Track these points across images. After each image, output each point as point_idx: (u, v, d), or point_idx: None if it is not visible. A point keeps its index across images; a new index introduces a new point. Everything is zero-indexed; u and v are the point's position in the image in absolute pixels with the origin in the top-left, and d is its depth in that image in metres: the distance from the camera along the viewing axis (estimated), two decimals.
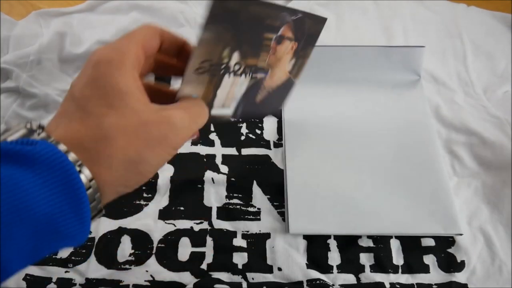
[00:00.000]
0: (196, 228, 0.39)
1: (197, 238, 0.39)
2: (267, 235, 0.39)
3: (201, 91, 0.32)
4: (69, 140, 0.20)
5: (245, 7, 0.34)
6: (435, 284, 0.36)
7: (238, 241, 0.38)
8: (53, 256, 0.38)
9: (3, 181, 0.17)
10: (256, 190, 0.41)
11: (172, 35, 0.28)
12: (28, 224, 0.18)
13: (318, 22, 0.39)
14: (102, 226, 0.39)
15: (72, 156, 0.19)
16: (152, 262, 0.37)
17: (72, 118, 0.21)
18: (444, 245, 0.38)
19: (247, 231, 0.39)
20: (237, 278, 0.37)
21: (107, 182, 0.21)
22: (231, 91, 0.35)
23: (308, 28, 0.39)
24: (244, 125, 0.45)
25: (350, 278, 0.37)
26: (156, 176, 0.41)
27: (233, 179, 0.42)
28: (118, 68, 0.22)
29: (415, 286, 0.36)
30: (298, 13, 0.37)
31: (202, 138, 0.44)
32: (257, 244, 0.38)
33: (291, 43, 0.38)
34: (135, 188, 0.23)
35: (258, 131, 0.45)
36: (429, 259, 0.38)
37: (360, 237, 0.39)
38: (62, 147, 0.19)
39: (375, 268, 0.37)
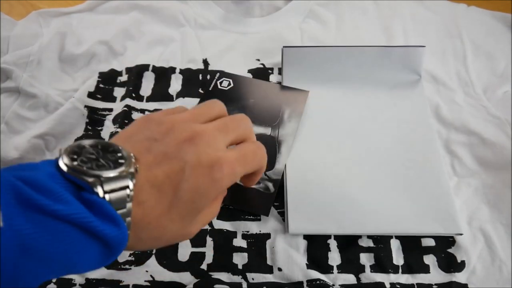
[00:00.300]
0: None
1: (197, 238, 0.39)
2: (267, 236, 0.39)
3: None
4: (142, 201, 0.23)
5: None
6: (435, 284, 0.36)
7: (238, 241, 0.38)
8: None
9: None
10: None
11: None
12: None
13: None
14: None
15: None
16: (152, 262, 0.37)
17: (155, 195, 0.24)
18: (444, 245, 0.38)
19: (247, 231, 0.39)
20: (237, 278, 0.37)
21: (139, 239, 0.24)
22: None
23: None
24: None
25: (350, 278, 0.37)
26: None
27: None
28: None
29: (415, 286, 0.36)
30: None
31: None
32: (257, 244, 0.38)
33: None
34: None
35: None
36: (429, 259, 0.38)
37: (360, 237, 0.39)
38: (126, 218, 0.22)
39: (375, 268, 0.37)
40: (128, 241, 0.22)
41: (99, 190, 0.21)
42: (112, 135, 0.45)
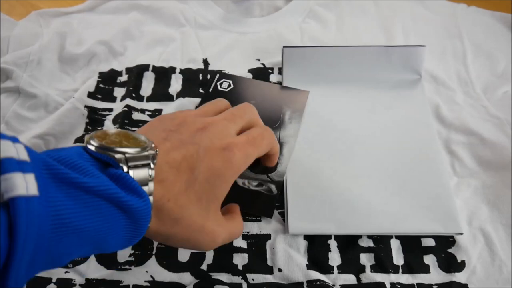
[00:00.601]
0: None
1: None
2: (267, 236, 0.39)
3: None
4: (162, 193, 0.25)
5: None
6: (435, 284, 0.36)
7: (239, 242, 0.38)
8: None
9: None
10: None
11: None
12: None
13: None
14: None
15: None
16: (152, 262, 0.37)
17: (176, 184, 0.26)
18: (444, 245, 0.38)
19: (248, 232, 0.39)
20: (237, 279, 0.37)
21: (155, 235, 0.26)
22: None
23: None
24: None
25: (350, 278, 0.37)
26: None
27: None
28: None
29: (416, 286, 0.36)
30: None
31: None
32: (258, 245, 0.38)
33: None
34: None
35: None
36: (430, 259, 0.38)
37: (360, 237, 0.39)
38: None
39: (375, 268, 0.37)
40: (150, 222, 0.24)
41: (124, 166, 0.22)
42: None
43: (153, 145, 0.25)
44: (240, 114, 0.32)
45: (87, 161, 0.22)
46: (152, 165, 0.24)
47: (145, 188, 0.23)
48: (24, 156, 0.18)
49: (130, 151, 0.23)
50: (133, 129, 0.45)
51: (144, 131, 0.30)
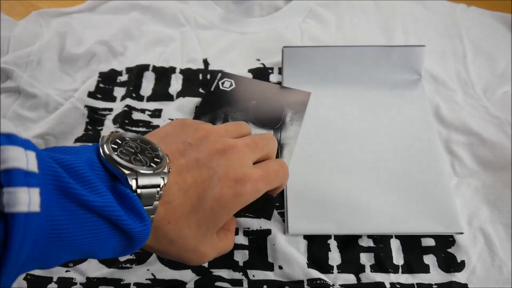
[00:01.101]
0: None
1: None
2: (268, 232, 0.39)
3: None
4: (168, 214, 0.25)
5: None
6: (435, 284, 0.36)
7: (239, 239, 0.38)
8: None
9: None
10: None
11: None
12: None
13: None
14: None
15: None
16: (153, 260, 0.37)
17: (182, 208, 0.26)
18: (444, 245, 0.38)
19: (248, 228, 0.39)
20: (238, 275, 0.37)
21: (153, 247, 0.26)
22: None
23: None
24: None
25: (350, 278, 0.37)
26: None
27: None
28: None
29: (415, 286, 0.36)
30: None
31: None
32: (258, 241, 0.38)
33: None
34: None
35: None
36: (429, 259, 0.38)
37: (360, 237, 0.39)
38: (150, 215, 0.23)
39: (375, 268, 0.37)
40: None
41: (133, 184, 0.22)
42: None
43: (167, 161, 0.25)
44: (262, 145, 0.32)
45: (97, 173, 0.21)
46: (162, 184, 0.23)
47: (149, 208, 0.23)
48: (33, 166, 0.18)
49: (142, 170, 0.22)
50: (134, 129, 0.45)
51: (163, 134, 0.29)
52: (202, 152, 0.27)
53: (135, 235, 0.22)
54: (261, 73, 0.49)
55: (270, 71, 0.50)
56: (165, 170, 0.24)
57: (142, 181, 0.22)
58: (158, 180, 0.23)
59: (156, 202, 0.23)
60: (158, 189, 0.23)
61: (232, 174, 0.27)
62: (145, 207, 0.22)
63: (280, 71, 0.49)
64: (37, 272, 0.37)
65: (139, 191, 0.22)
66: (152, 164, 0.23)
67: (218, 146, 0.28)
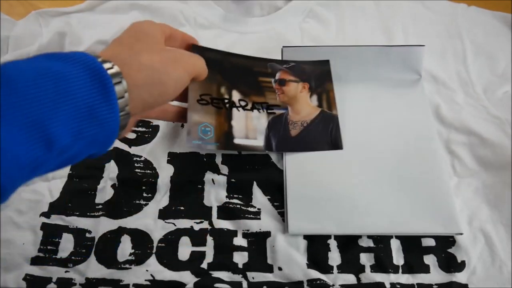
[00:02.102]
0: (196, 227, 0.39)
1: (197, 238, 0.39)
2: (267, 234, 0.39)
3: (212, 120, 0.38)
4: (109, 55, 0.25)
5: (226, 57, 0.42)
6: (436, 284, 0.36)
7: (239, 241, 0.38)
8: (53, 256, 0.38)
9: (46, 70, 0.21)
10: (256, 191, 0.41)
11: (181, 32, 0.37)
12: (71, 106, 0.21)
13: (321, 64, 0.46)
14: (102, 225, 0.39)
15: (107, 64, 0.24)
16: (152, 261, 0.37)
17: (115, 48, 0.29)
18: (444, 245, 0.38)
19: (248, 230, 0.39)
20: (237, 277, 0.37)
21: (135, 83, 0.26)
22: (249, 124, 0.41)
23: (313, 70, 0.46)
24: None
25: (350, 278, 0.37)
26: (156, 176, 0.42)
27: (233, 179, 0.42)
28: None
29: (416, 286, 0.36)
30: (290, 63, 0.45)
31: None
32: (258, 243, 0.38)
33: (300, 84, 0.44)
34: (158, 103, 0.29)
35: None
36: (430, 259, 0.38)
37: (360, 237, 0.39)
38: (99, 58, 0.24)
39: (375, 268, 0.37)
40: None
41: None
42: None
43: None
44: None
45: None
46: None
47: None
48: None
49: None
50: (133, 129, 0.45)
51: None
52: None
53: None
54: None
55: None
56: None
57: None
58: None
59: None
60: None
61: None
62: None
63: None
64: (36, 272, 0.37)
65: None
66: None
67: None
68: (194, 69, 0.32)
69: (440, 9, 0.54)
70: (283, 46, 0.46)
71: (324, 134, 0.43)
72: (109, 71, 0.23)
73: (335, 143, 0.42)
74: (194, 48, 0.38)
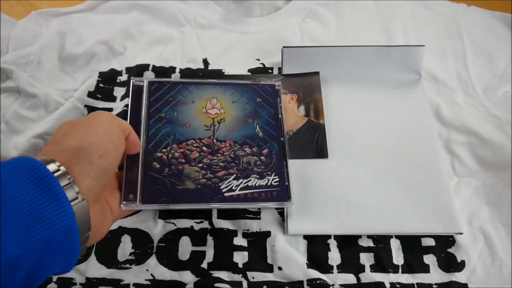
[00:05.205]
0: (197, 227, 0.39)
1: (197, 237, 0.39)
2: (267, 233, 0.39)
3: None
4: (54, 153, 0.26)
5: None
6: (435, 284, 0.36)
7: (239, 240, 0.38)
8: None
9: None
10: None
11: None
12: (14, 213, 0.21)
13: (311, 75, 0.47)
14: None
15: (51, 166, 0.24)
16: (152, 261, 0.37)
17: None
18: (444, 245, 0.38)
19: (248, 230, 0.39)
20: (237, 277, 0.37)
21: (82, 174, 0.26)
22: None
23: (302, 81, 0.47)
24: None
25: (350, 278, 0.37)
26: None
27: None
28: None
29: (415, 286, 0.36)
30: (279, 77, 0.47)
31: None
32: (258, 243, 0.38)
33: (288, 95, 0.46)
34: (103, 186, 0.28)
35: None
36: (429, 259, 0.38)
37: (360, 237, 0.39)
38: (42, 159, 0.24)
39: (375, 268, 0.37)
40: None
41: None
42: None
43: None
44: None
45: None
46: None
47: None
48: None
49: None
50: None
51: None
52: None
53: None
54: (261, 73, 0.49)
55: (270, 71, 0.50)
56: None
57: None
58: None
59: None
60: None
61: None
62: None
63: (280, 71, 0.48)
64: None
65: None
66: None
67: None
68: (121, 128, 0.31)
69: (440, 9, 0.54)
70: (283, 46, 0.46)
71: (310, 143, 0.43)
72: (50, 167, 0.24)
73: (320, 151, 0.42)
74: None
